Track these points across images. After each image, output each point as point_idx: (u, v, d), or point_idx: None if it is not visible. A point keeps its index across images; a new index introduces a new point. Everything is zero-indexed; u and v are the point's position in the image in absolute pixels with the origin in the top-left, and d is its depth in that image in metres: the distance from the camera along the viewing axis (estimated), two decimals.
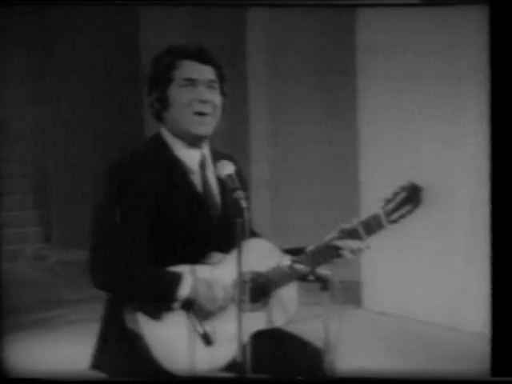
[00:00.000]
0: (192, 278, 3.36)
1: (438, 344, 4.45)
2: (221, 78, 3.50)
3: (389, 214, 3.45)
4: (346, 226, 3.44)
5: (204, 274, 3.38)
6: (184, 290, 3.35)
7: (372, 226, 3.44)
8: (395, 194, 3.47)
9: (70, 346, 4.21)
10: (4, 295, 4.07)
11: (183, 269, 3.38)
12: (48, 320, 4.61)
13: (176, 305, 3.35)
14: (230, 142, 4.48)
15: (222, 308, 3.38)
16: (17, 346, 4.03)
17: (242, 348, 3.26)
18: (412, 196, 3.47)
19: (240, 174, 3.43)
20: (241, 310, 3.24)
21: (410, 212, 3.47)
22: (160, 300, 3.35)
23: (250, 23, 4.71)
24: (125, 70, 4.38)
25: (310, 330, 3.50)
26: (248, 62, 4.70)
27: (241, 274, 3.24)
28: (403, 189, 3.48)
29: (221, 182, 3.46)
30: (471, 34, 4.12)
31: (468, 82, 4.24)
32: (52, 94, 4.52)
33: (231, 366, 3.37)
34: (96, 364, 3.47)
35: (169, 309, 3.35)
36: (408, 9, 4.14)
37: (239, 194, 3.25)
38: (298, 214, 4.69)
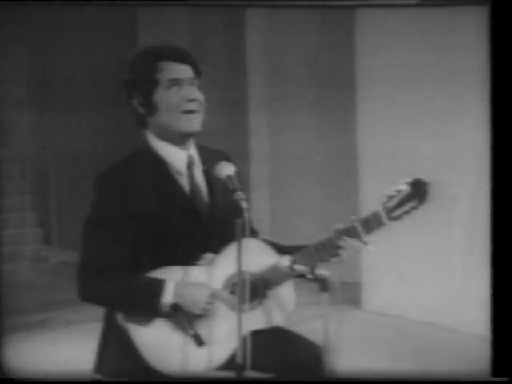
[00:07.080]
0: (175, 283, 3.36)
1: (438, 344, 4.45)
2: (198, 74, 3.50)
3: (390, 211, 3.43)
4: (342, 225, 3.43)
5: (194, 275, 3.39)
6: (167, 297, 3.35)
7: (371, 224, 3.42)
8: (398, 191, 3.44)
9: (70, 347, 4.21)
10: (4, 296, 4.07)
11: (173, 271, 3.39)
12: (48, 321, 4.61)
13: (163, 310, 3.35)
14: (228, 142, 4.49)
15: (210, 310, 3.37)
16: (16, 347, 4.03)
17: (242, 347, 3.26)
18: (417, 192, 3.44)
19: (239, 175, 3.44)
20: (240, 309, 3.25)
21: (414, 208, 3.44)
22: (144, 308, 3.35)
23: (249, 24, 4.72)
24: (124, 71, 4.38)
25: (310, 330, 3.51)
26: (247, 62, 4.70)
27: (241, 274, 3.25)
28: (407, 185, 3.45)
29: (210, 182, 3.47)
30: (471, 34, 4.12)
31: (468, 82, 4.24)
32: (51, 95, 4.52)
33: (230, 364, 3.38)
34: (98, 367, 3.48)
35: (156, 315, 3.36)
36: (408, 9, 4.15)
37: (239, 194, 3.26)
38: (297, 213, 4.69)
